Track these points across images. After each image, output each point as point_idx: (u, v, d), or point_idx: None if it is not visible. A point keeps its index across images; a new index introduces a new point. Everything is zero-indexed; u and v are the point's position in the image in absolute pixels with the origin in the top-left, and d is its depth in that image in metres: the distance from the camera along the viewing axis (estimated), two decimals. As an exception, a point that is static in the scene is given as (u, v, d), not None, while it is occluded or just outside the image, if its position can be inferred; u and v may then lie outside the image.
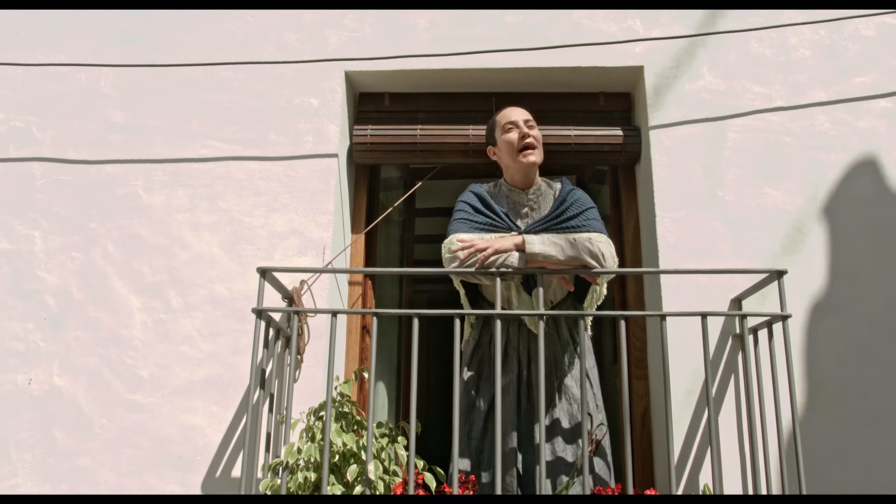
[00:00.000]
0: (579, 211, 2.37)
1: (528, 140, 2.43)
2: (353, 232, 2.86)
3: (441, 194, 3.40)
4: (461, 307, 2.49)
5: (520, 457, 2.33)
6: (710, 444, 2.03)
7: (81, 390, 2.53)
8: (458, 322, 2.07)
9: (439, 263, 2.37)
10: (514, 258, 2.20)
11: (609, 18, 2.82)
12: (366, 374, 2.28)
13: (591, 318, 2.48)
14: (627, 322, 2.59)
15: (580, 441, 2.29)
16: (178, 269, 2.63)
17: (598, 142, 2.80)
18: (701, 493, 2.30)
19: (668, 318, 2.11)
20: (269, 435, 2.28)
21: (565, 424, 2.35)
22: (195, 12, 2.92)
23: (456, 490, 1.97)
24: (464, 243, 2.26)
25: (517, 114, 2.49)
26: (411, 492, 1.96)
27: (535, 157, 2.44)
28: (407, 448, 2.06)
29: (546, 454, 2.25)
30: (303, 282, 2.48)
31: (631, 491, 1.97)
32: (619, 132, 2.80)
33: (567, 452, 2.30)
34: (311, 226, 2.63)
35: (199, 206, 2.69)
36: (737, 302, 2.46)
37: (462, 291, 2.49)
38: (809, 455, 2.28)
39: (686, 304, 2.45)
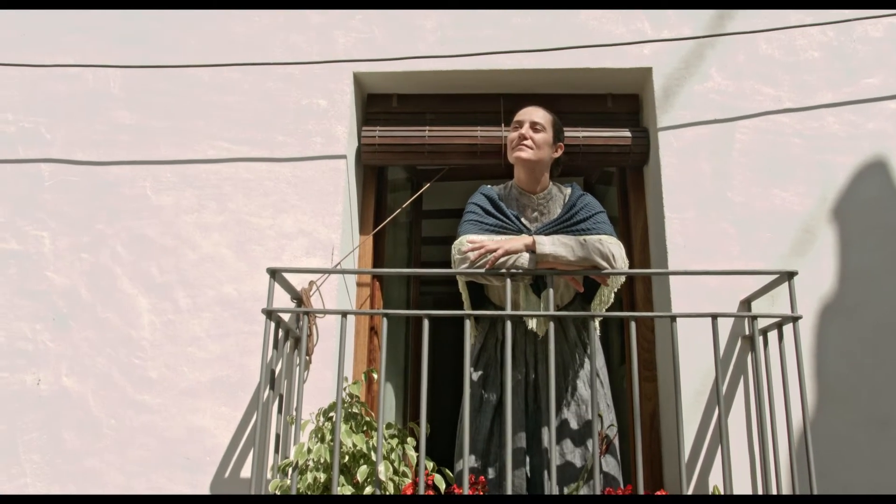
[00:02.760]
0: (589, 214, 2.36)
1: (524, 141, 2.42)
2: (362, 233, 2.86)
3: (448, 196, 3.40)
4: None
5: (527, 459, 2.32)
6: (721, 445, 2.03)
7: (90, 391, 2.53)
8: (468, 322, 2.07)
9: (446, 265, 2.36)
10: (524, 259, 2.20)
11: (617, 20, 2.82)
12: (374, 375, 2.27)
13: (599, 318, 2.47)
14: (636, 323, 2.59)
15: (589, 443, 2.29)
16: (186, 270, 2.63)
17: (607, 143, 2.80)
18: (711, 494, 2.29)
19: (677, 319, 2.10)
20: (278, 436, 2.27)
21: (574, 426, 2.34)
22: (203, 14, 2.92)
23: (466, 489, 1.97)
24: (474, 244, 2.25)
25: (526, 114, 2.48)
26: (421, 493, 1.95)
27: (524, 153, 2.41)
28: (416, 449, 2.06)
29: (555, 458, 2.25)
30: (311, 282, 2.47)
31: (641, 492, 1.96)
32: (628, 133, 2.80)
33: (576, 456, 2.29)
34: (320, 227, 2.63)
35: (208, 207, 2.69)
36: (746, 303, 2.45)
37: (465, 294, 2.47)
38: (819, 456, 2.27)
39: (695, 306, 2.44)
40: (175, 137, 2.78)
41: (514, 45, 2.78)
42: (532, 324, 2.37)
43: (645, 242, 2.78)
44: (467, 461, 1.99)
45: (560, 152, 2.52)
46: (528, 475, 2.31)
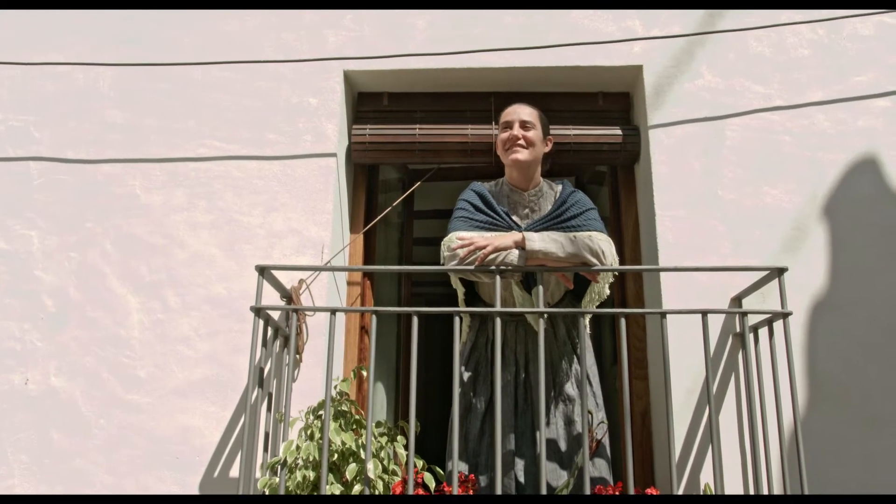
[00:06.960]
0: (580, 211, 2.36)
1: (518, 142, 2.41)
2: (352, 232, 2.85)
3: (439, 196, 3.39)
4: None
5: (517, 462, 2.30)
6: (711, 443, 2.02)
7: (79, 390, 2.51)
8: (457, 320, 2.06)
9: (437, 265, 2.35)
10: (513, 256, 2.19)
11: (608, 18, 2.82)
12: (364, 373, 2.26)
13: (590, 316, 2.47)
14: (627, 321, 2.58)
15: (575, 458, 2.27)
16: (175, 269, 2.61)
17: (598, 141, 2.79)
18: (702, 492, 2.29)
19: (668, 316, 2.10)
20: (267, 434, 2.26)
21: (562, 427, 2.32)
22: (194, 12, 2.92)
23: (456, 489, 1.96)
24: (463, 241, 2.24)
25: (516, 114, 2.45)
26: (410, 491, 1.94)
27: (521, 154, 2.40)
28: (406, 447, 2.05)
29: (544, 463, 2.23)
30: (301, 281, 2.47)
31: (632, 490, 1.95)
32: (619, 131, 2.80)
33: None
34: (310, 225, 2.62)
35: (198, 206, 2.68)
36: (737, 301, 2.45)
37: (461, 291, 2.47)
38: (810, 454, 2.28)
39: (686, 303, 2.44)
40: (165, 136, 2.77)
41: (505, 44, 2.78)
42: (529, 320, 2.36)
43: (636, 240, 2.77)
44: (456, 461, 1.97)
45: (550, 146, 2.51)
46: (519, 480, 2.29)
